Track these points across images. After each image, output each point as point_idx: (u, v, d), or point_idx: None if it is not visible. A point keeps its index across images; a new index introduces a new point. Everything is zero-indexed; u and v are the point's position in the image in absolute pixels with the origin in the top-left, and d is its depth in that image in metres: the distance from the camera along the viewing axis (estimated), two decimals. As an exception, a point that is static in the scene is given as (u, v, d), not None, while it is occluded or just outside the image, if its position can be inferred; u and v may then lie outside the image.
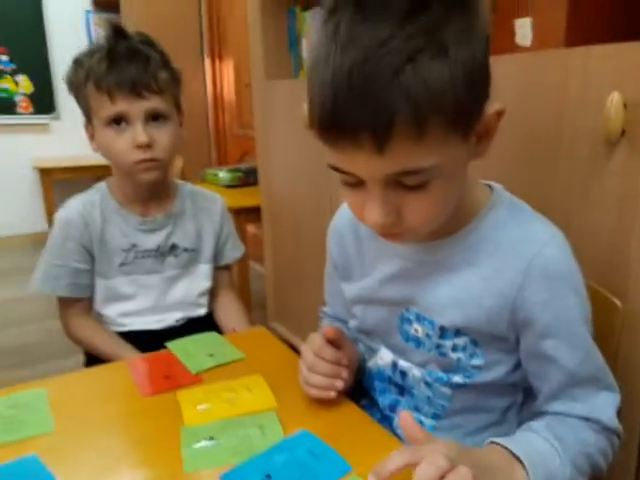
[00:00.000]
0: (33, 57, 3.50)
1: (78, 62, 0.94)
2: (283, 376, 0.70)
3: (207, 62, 3.24)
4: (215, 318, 1.10)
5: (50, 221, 3.42)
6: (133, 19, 2.91)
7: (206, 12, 3.16)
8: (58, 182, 3.42)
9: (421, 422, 0.64)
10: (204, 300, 1.09)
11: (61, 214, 1.01)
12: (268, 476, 0.51)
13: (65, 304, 1.01)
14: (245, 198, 2.11)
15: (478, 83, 0.48)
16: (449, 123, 0.46)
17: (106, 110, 0.90)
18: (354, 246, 0.69)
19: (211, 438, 0.57)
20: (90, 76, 0.90)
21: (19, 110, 3.53)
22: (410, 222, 0.52)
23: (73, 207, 1.01)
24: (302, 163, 1.64)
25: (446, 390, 0.61)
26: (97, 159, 3.78)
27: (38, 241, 3.66)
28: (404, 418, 0.48)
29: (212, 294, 1.11)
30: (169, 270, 1.03)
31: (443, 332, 0.59)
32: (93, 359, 1.01)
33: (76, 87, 0.94)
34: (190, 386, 0.68)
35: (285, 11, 1.71)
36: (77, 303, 1.01)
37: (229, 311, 1.10)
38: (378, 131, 0.44)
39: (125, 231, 1.00)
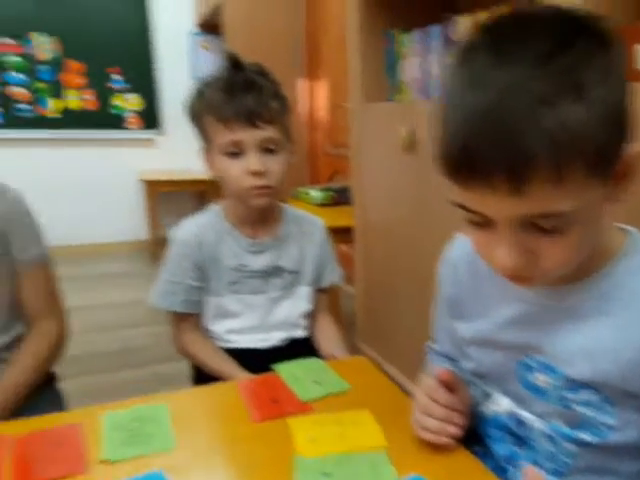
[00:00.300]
0: (143, 77, 3.78)
1: (199, 92, 0.99)
2: (389, 413, 0.69)
3: (303, 82, 3.33)
4: (313, 340, 1.12)
5: (153, 230, 3.65)
6: (234, 41, 3.06)
7: (303, 34, 3.26)
8: (161, 193, 3.65)
9: (541, 478, 0.60)
10: (304, 322, 1.11)
11: (177, 234, 1.07)
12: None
13: (178, 319, 1.07)
14: (336, 217, 2.13)
15: (619, 123, 0.46)
16: (589, 166, 0.44)
17: (223, 138, 0.95)
18: (470, 282, 0.67)
19: (325, 474, 0.57)
20: (210, 106, 0.95)
21: (128, 126, 3.82)
22: (541, 267, 0.49)
23: (188, 228, 1.07)
24: (397, 185, 1.63)
25: (571, 447, 0.57)
26: (197, 174, 4.01)
27: (141, 248, 3.93)
28: (528, 472, 0.46)
29: (310, 317, 1.13)
30: (273, 291, 1.06)
31: (570, 384, 0.56)
32: (200, 372, 1.06)
33: (196, 116, 1.00)
34: (300, 414, 0.69)
35: (383, 33, 1.72)
36: (189, 318, 1.06)
37: (327, 334, 1.11)
38: (514, 173, 0.43)
39: (236, 251, 1.04)
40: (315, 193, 2.39)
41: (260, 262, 1.05)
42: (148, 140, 3.91)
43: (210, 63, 3.82)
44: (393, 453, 0.61)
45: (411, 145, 1.51)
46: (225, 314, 1.06)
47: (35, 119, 3.58)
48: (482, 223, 0.50)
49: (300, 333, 1.10)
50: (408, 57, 1.63)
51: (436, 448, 0.62)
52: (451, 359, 0.75)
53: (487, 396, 0.66)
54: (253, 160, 0.94)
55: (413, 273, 1.61)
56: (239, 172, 0.95)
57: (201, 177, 3.64)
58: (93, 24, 3.60)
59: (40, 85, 3.56)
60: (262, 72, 1.00)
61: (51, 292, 1.02)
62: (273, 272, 1.06)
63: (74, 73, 3.62)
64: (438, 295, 0.74)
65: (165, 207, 3.82)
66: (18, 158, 3.56)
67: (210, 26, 3.65)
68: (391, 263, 1.74)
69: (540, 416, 0.59)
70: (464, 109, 0.45)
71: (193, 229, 1.05)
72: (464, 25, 1.40)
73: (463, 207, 0.50)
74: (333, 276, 1.15)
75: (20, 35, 3.45)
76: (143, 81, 3.79)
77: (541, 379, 0.58)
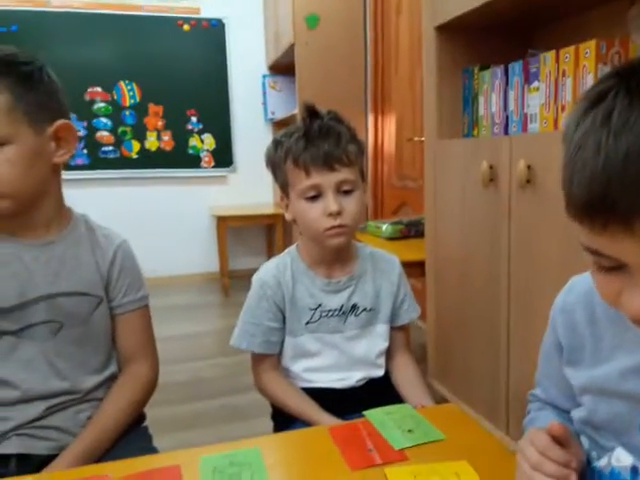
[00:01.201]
0: (216, 118, 3.98)
1: (278, 142, 1.03)
2: (488, 464, 0.67)
3: (370, 117, 3.38)
4: (392, 379, 1.11)
5: (222, 262, 3.77)
6: (305, 80, 3.17)
7: (372, 71, 3.33)
8: (232, 228, 3.78)
9: None
10: (382, 361, 1.10)
11: (258, 276, 1.09)
12: None
13: (258, 359, 1.09)
14: (407, 251, 2.11)
15: None
16: None
17: (303, 183, 0.97)
18: (588, 328, 0.64)
19: (430, 530, 0.55)
20: (289, 154, 0.99)
21: (203, 164, 4.00)
22: None
23: (268, 270, 1.09)
24: (473, 220, 1.60)
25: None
26: (265, 209, 4.15)
27: (210, 280, 4.05)
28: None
29: (388, 355, 1.12)
30: (350, 329, 1.06)
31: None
32: (279, 411, 1.07)
33: (276, 164, 1.03)
34: (396, 463, 0.68)
35: (462, 71, 1.72)
36: (268, 359, 1.08)
37: (409, 378, 1.09)
38: None
39: (312, 291, 1.05)
40: (385, 227, 2.39)
41: (336, 301, 1.05)
42: (221, 177, 4.08)
43: (280, 102, 3.97)
44: (499, 511, 0.58)
45: (491, 180, 1.49)
46: (303, 353, 1.06)
47: (119, 160, 3.84)
48: (614, 268, 0.48)
49: (378, 372, 1.09)
50: (486, 93, 1.62)
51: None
52: (555, 406, 0.72)
53: (602, 449, 0.62)
54: (330, 201, 0.96)
55: (486, 310, 1.56)
56: (317, 214, 0.98)
57: (269, 212, 3.76)
58: (172, 70, 3.84)
59: (124, 129, 3.82)
60: (338, 119, 1.03)
61: (147, 336, 1.06)
62: (349, 310, 1.06)
63: (154, 116, 3.86)
64: (547, 340, 0.71)
65: (235, 241, 3.94)
66: (102, 196, 3.80)
67: (280, 67, 3.80)
68: (464, 300, 1.69)
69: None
70: (603, 153, 0.44)
71: (273, 270, 1.08)
72: (548, 61, 1.38)
73: (594, 252, 0.48)
74: (411, 313, 1.14)
75: (109, 84, 3.73)
76: (217, 121, 3.98)
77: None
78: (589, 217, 0.46)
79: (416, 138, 2.76)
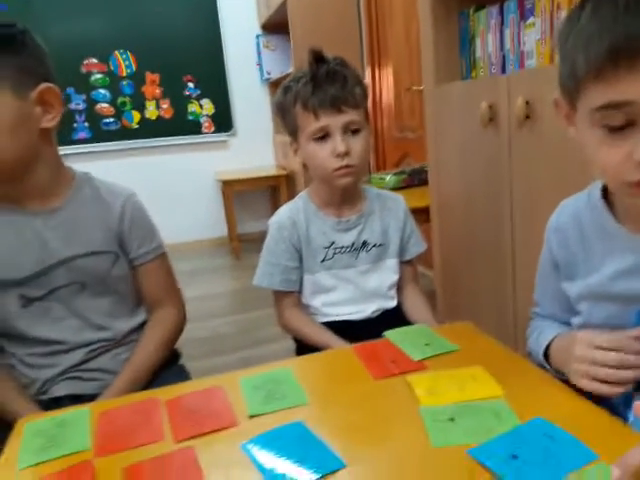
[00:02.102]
0: (213, 82, 3.96)
1: (287, 88, 1.08)
2: (501, 368, 0.73)
3: (367, 71, 3.36)
4: (403, 310, 1.18)
5: (230, 226, 3.82)
6: (300, 36, 3.14)
7: (366, 23, 3.29)
8: (236, 192, 3.82)
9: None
10: (393, 292, 1.18)
11: (274, 219, 1.16)
12: (514, 456, 0.55)
13: (279, 297, 1.16)
14: (411, 199, 2.13)
15: None
16: None
17: (311, 126, 1.03)
18: (579, 243, 0.70)
19: (451, 419, 0.62)
20: (298, 98, 1.04)
21: (203, 130, 4.01)
22: None
23: (282, 213, 1.16)
24: (474, 163, 1.64)
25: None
26: (269, 171, 4.15)
27: (220, 244, 4.12)
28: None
29: (399, 288, 1.19)
30: (362, 264, 1.14)
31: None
32: (301, 345, 1.15)
33: (285, 109, 1.08)
34: (417, 372, 0.75)
35: (457, 14, 1.73)
36: (289, 296, 1.15)
37: (416, 304, 1.17)
38: None
39: (324, 231, 1.12)
40: (389, 178, 2.43)
41: (347, 238, 1.12)
42: (222, 142, 4.09)
43: (275, 62, 3.94)
44: (511, 402, 0.65)
45: (491, 120, 1.52)
46: (321, 289, 1.14)
47: (120, 131, 3.85)
48: (622, 127, 0.52)
49: (390, 304, 1.17)
50: (483, 34, 1.63)
51: (552, 395, 0.65)
52: (556, 320, 0.78)
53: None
54: (338, 142, 1.02)
55: (490, 245, 1.62)
56: (326, 155, 1.03)
57: (272, 173, 3.78)
58: (166, 37, 3.80)
59: (123, 99, 3.82)
60: (344, 63, 1.07)
61: (168, 282, 1.12)
62: (360, 247, 1.13)
63: (151, 84, 3.85)
64: (543, 260, 0.77)
65: (241, 204, 3.99)
66: (105, 168, 3.81)
67: (273, 26, 3.75)
68: (468, 237, 1.75)
69: (657, 361, 0.61)
70: (620, 8, 0.49)
71: (287, 213, 1.15)
72: (540, -5, 1.39)
73: (610, 106, 0.52)
74: (418, 247, 1.21)
75: (104, 54, 3.71)
76: (214, 86, 3.96)
77: (658, 326, 0.60)
78: (613, 63, 0.50)
79: (414, 87, 2.76)
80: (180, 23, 3.82)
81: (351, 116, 1.03)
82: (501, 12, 1.55)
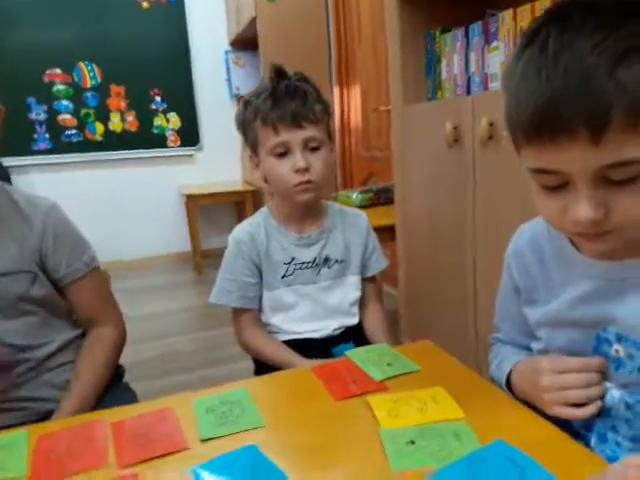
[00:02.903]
0: (181, 96, 3.92)
1: (247, 103, 1.06)
2: (462, 390, 0.72)
3: (335, 90, 3.39)
4: (364, 329, 1.17)
5: (193, 242, 3.76)
6: (269, 53, 3.15)
7: (335, 43, 3.33)
8: (201, 206, 3.76)
9: (618, 444, 0.62)
10: (355, 309, 1.16)
11: (233, 235, 1.13)
12: (474, 480, 0.53)
13: (238, 314, 1.13)
14: (376, 218, 2.14)
15: None
16: None
17: (271, 141, 1.02)
18: (538, 268, 0.70)
19: (412, 442, 0.60)
20: (258, 113, 1.03)
21: (169, 144, 3.96)
22: (619, 220, 0.51)
23: (242, 228, 1.14)
24: (439, 182, 1.65)
25: (650, 412, 0.59)
26: (234, 187, 4.11)
27: (184, 260, 4.04)
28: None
29: (361, 305, 1.18)
30: (323, 280, 1.12)
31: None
32: (261, 366, 1.11)
33: (245, 123, 1.07)
34: (377, 392, 0.73)
35: (424, 35, 1.76)
36: (247, 314, 1.12)
37: (374, 324, 1.16)
38: (595, 121, 0.47)
39: (285, 246, 1.10)
40: (356, 195, 2.43)
41: (309, 254, 1.11)
42: (188, 156, 4.04)
43: (244, 78, 3.93)
44: (472, 423, 0.64)
45: (455, 140, 1.54)
46: (281, 306, 1.11)
47: (83, 143, 3.75)
48: (556, 187, 0.53)
49: (352, 321, 1.15)
50: (448, 55, 1.66)
51: (513, 417, 0.64)
52: (516, 345, 0.78)
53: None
54: (298, 158, 1.01)
55: (453, 265, 1.63)
56: (286, 170, 1.02)
57: (238, 189, 3.75)
58: (133, 50, 3.75)
59: (86, 111, 3.73)
60: (304, 79, 1.07)
61: (104, 297, 1.04)
62: (322, 262, 1.12)
63: (116, 97, 3.78)
64: (504, 284, 0.77)
65: (204, 219, 3.93)
66: (67, 181, 3.73)
67: (243, 42, 3.76)
68: (433, 258, 1.76)
69: (618, 386, 0.61)
70: (544, 73, 0.49)
71: (247, 228, 1.13)
72: (506, 20, 1.42)
73: (541, 171, 0.53)
74: (379, 264, 1.20)
75: (69, 65, 3.63)
76: (181, 100, 3.93)
77: (620, 350, 0.60)
78: (537, 133, 0.51)
79: (382, 107, 2.79)
80: (149, 36, 3.78)
81: (311, 132, 1.02)
82: (466, 35, 1.58)
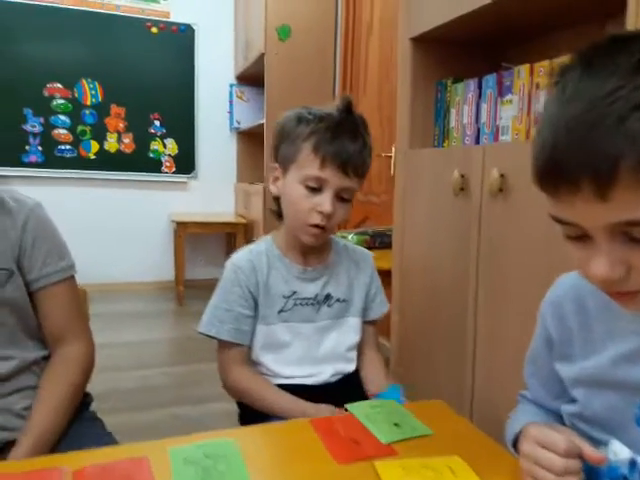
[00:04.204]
0: (181, 123, 3.89)
1: (302, 118, 0.97)
2: (480, 458, 0.64)
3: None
4: (361, 377, 1.08)
5: (177, 270, 3.65)
6: (274, 91, 3.16)
7: (340, 88, 3.35)
8: (190, 236, 3.67)
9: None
10: (352, 355, 1.08)
11: (232, 261, 1.04)
12: None
13: (225, 349, 1.02)
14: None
15: None
16: None
17: (311, 171, 0.94)
18: (578, 320, 0.63)
19: (429, 522, 0.51)
20: (312, 137, 0.94)
21: (163, 169, 3.90)
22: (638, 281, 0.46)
23: (242, 255, 1.05)
24: (442, 231, 1.60)
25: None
26: (226, 218, 4.04)
27: (166, 288, 3.92)
28: None
29: (359, 351, 1.10)
30: (322, 320, 1.04)
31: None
32: (246, 411, 1.01)
33: (290, 137, 0.98)
34: (385, 457, 0.63)
35: (435, 83, 1.74)
36: (236, 350, 1.01)
37: (373, 373, 1.08)
38: (600, 175, 0.43)
39: (287, 278, 1.03)
40: (351, 236, 2.38)
41: (311, 289, 1.04)
42: (181, 183, 3.98)
43: (246, 112, 3.94)
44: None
45: (462, 189, 1.49)
46: (273, 344, 1.02)
47: (76, 160, 3.68)
48: (578, 237, 0.49)
49: (349, 367, 1.07)
50: (458, 105, 1.64)
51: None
52: (541, 406, 0.70)
53: (597, 443, 0.60)
54: (327, 201, 0.94)
55: (452, 319, 1.56)
56: (308, 206, 0.95)
57: (230, 220, 3.68)
58: (138, 72, 3.74)
59: (83, 128, 3.68)
60: (366, 128, 1.01)
61: (76, 311, 0.95)
62: (323, 300, 1.04)
63: (115, 117, 3.74)
64: (536, 337, 0.70)
65: (193, 250, 3.84)
66: (55, 196, 3.62)
67: (248, 77, 3.78)
68: (430, 308, 1.69)
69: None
70: (555, 120, 0.46)
71: (246, 255, 1.04)
72: (522, 74, 1.41)
73: (558, 220, 0.49)
74: (382, 308, 1.13)
75: (70, 81, 3.59)
76: (181, 127, 3.90)
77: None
78: (545, 183, 0.48)
79: (384, 154, 2.78)
80: (156, 61, 3.78)
81: (351, 183, 0.95)
82: (479, 86, 1.56)
